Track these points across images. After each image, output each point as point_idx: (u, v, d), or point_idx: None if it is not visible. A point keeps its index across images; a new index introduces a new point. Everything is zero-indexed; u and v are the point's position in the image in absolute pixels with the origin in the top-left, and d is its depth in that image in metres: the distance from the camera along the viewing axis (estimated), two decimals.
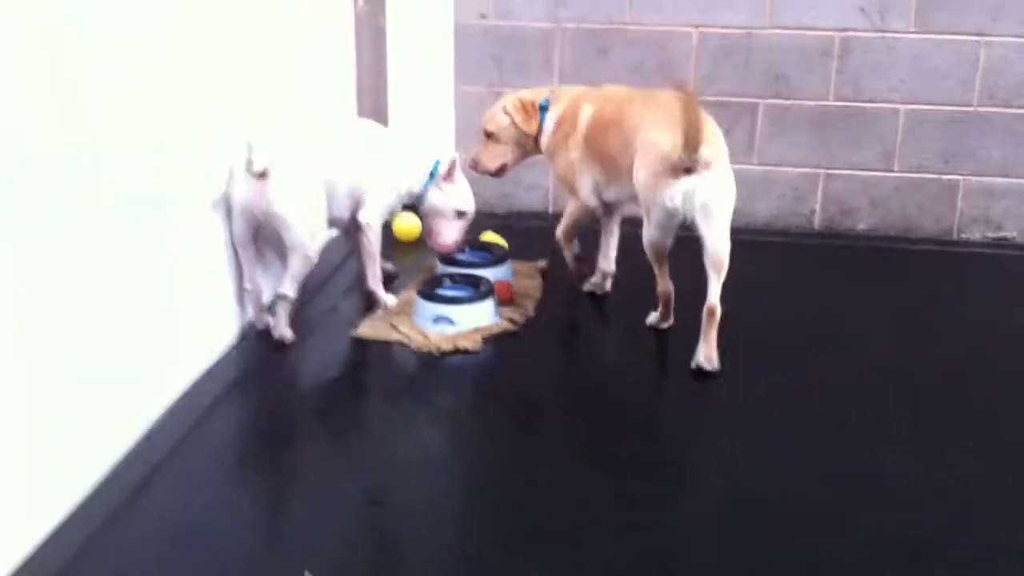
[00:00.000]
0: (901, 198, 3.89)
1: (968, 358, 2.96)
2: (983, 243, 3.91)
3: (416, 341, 2.95)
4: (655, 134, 2.88)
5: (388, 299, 3.14)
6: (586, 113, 3.14)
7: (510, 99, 3.27)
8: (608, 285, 3.35)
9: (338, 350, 2.98)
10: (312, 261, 2.87)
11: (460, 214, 3.17)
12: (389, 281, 3.29)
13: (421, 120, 3.93)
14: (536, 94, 3.28)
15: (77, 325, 2.14)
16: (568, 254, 3.37)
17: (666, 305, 3.07)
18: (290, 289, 2.86)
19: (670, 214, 2.87)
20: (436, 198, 3.15)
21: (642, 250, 3.00)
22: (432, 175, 3.13)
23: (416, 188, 3.15)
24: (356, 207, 3.03)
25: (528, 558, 2.04)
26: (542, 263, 3.52)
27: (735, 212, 3.89)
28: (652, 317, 3.11)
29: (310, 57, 3.64)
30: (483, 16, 3.88)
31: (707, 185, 2.85)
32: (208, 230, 2.78)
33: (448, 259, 3.31)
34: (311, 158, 2.89)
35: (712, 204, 2.88)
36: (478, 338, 2.97)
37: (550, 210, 4.05)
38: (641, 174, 2.92)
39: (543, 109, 3.23)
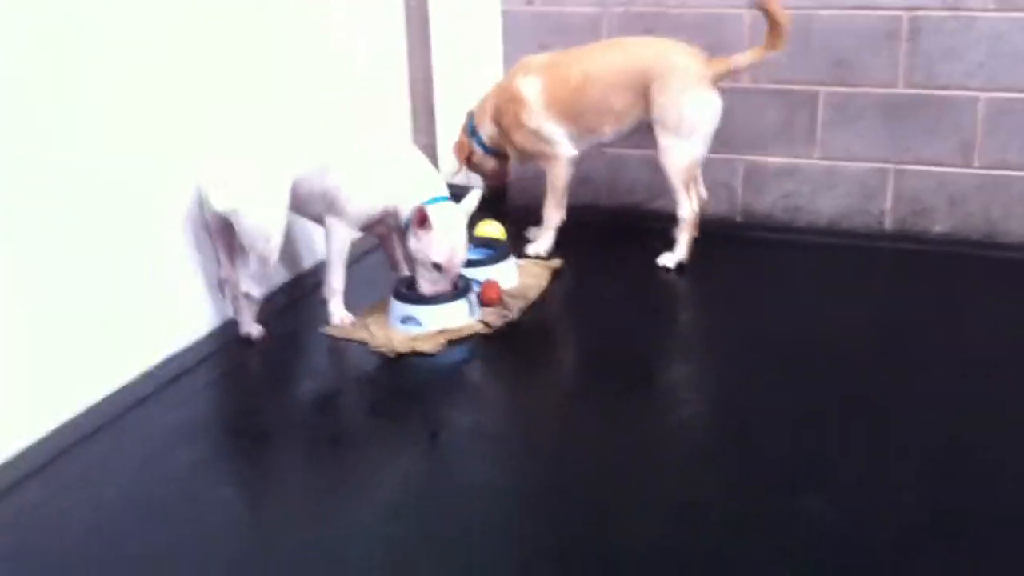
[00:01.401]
0: (983, 197, 3.41)
1: None
2: None
3: (376, 341, 2.89)
4: (682, 58, 3.19)
5: (336, 314, 2.99)
6: (529, 86, 3.30)
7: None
8: None
9: (305, 347, 2.97)
10: (268, 260, 2.81)
11: (436, 266, 2.87)
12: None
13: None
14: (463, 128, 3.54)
15: (58, 298, 2.47)
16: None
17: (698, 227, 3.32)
18: (252, 287, 2.85)
19: (716, 124, 3.22)
20: (412, 244, 2.88)
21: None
22: (409, 220, 2.89)
23: (403, 212, 2.91)
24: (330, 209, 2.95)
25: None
26: (556, 262, 3.37)
27: (797, 210, 3.64)
28: (671, 256, 3.32)
29: (363, 52, 3.69)
30: (529, 2, 3.74)
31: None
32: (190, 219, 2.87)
33: None
34: (277, 156, 2.81)
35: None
36: (442, 340, 2.87)
37: (602, 203, 3.86)
38: (682, 97, 3.17)
39: (473, 132, 3.46)
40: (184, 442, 2.44)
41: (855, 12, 3.37)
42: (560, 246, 3.54)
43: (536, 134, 3.33)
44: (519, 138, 3.37)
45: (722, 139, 3.58)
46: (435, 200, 2.89)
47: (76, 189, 2.50)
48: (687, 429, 2.46)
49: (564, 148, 3.36)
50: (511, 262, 3.26)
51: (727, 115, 3.51)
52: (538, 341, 3.02)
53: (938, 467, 2.22)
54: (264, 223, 2.78)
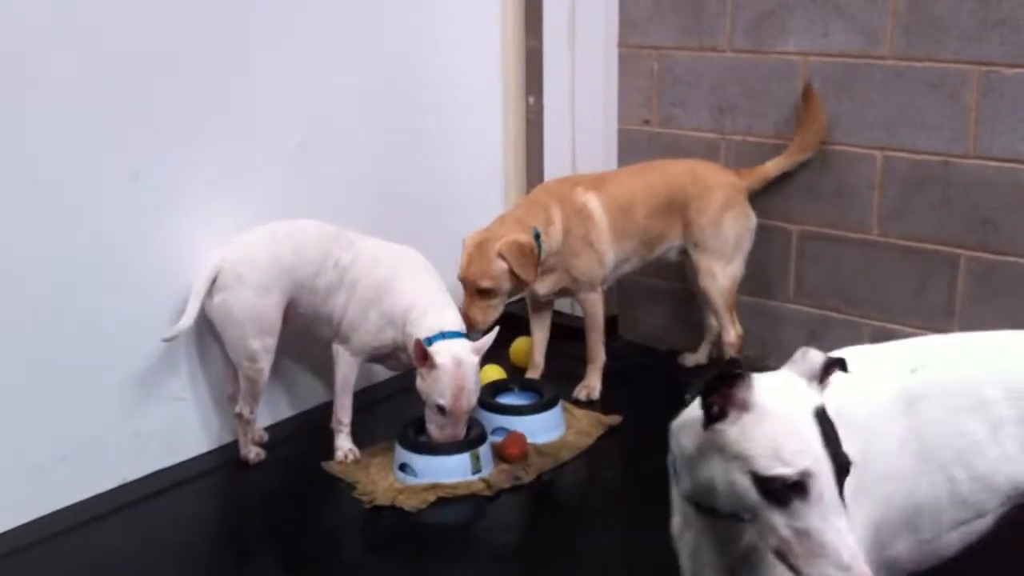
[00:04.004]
0: None
1: None
2: None
3: (362, 486, 2.62)
4: (719, 176, 3.04)
5: (341, 448, 2.75)
6: (594, 202, 2.97)
7: (501, 244, 2.79)
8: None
9: (301, 478, 2.73)
10: (255, 382, 2.64)
11: (441, 409, 2.57)
12: None
13: None
14: (510, 227, 2.83)
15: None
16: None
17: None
18: (243, 408, 2.69)
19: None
20: (418, 383, 2.59)
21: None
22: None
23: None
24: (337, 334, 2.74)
25: None
26: (613, 419, 2.95)
27: None
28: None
29: (474, 161, 3.55)
30: (646, 122, 3.37)
31: None
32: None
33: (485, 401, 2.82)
34: (271, 272, 2.63)
35: None
36: (429, 498, 2.56)
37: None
38: (725, 215, 2.99)
39: (537, 237, 2.86)
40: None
41: (1005, 164, 2.75)
42: (636, 391, 3.16)
43: (601, 258, 2.99)
44: (583, 258, 2.96)
45: (846, 297, 3.09)
46: (446, 335, 2.60)
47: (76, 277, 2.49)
48: None
49: (603, 280, 3.07)
50: (557, 412, 2.90)
51: (853, 271, 3.06)
52: (539, 513, 2.66)
53: None
54: (246, 341, 2.62)
